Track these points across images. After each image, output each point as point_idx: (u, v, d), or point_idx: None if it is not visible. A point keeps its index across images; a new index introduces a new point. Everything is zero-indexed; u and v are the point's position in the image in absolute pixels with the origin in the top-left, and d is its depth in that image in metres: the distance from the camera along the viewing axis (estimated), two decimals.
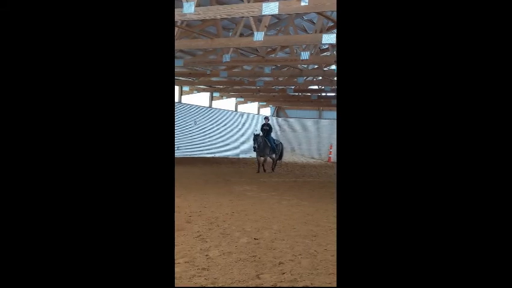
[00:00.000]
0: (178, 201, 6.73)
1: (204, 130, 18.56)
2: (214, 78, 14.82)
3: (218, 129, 19.37)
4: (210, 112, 19.15)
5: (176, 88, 17.72)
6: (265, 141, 13.11)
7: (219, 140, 19.32)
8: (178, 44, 8.73)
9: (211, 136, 18.91)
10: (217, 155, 18.80)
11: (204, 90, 18.10)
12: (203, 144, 18.50)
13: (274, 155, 13.56)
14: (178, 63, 11.13)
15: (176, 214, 5.74)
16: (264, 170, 12.89)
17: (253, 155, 20.98)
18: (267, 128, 13.57)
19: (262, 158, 13.09)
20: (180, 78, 16.03)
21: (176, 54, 11.85)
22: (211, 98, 19.45)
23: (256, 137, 13.14)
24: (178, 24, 8.43)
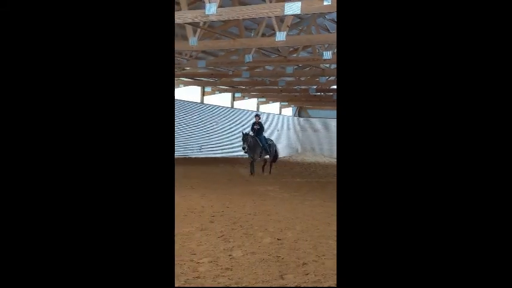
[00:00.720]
0: (201, 201, 6.78)
1: (225, 130, 18.63)
2: (236, 79, 14.87)
3: (239, 129, 19.42)
4: (231, 112, 19.21)
5: (198, 89, 17.83)
6: (256, 140, 11.95)
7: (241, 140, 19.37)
8: (201, 45, 8.78)
9: (233, 136, 18.97)
10: (235, 154, 18.85)
11: (225, 90, 18.17)
12: (225, 145, 18.57)
13: (267, 156, 12.40)
14: (200, 64, 11.20)
15: (199, 214, 5.78)
16: (263, 171, 12.01)
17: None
18: (257, 127, 12.34)
19: (252, 159, 11.95)
20: (202, 78, 16.13)
21: (199, 55, 11.93)
22: (233, 99, 19.51)
23: (245, 136, 11.85)
24: (201, 25, 8.48)
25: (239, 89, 18.01)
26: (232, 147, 18.87)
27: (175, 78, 16.12)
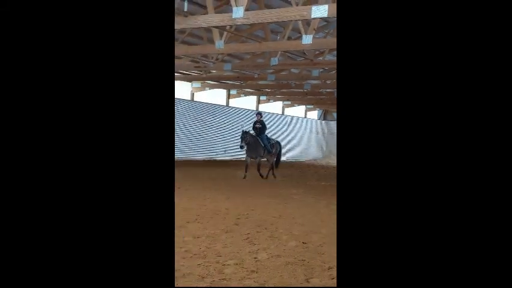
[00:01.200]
0: (226, 204, 6.81)
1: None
2: (261, 82, 14.89)
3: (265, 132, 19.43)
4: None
5: (224, 91, 17.93)
6: (256, 140, 11.00)
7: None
8: (227, 48, 8.84)
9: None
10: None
11: (251, 93, 18.23)
12: None
13: (269, 157, 11.38)
14: (226, 67, 11.27)
15: (224, 216, 5.81)
16: (261, 176, 10.87)
17: (301, 158, 21.01)
18: (259, 126, 11.40)
19: (250, 160, 11.02)
20: (228, 82, 16.23)
21: (225, 58, 12.00)
22: (258, 101, 19.55)
23: (244, 134, 10.87)
24: (227, 28, 8.54)
25: (264, 91, 18.04)
26: None
27: (201, 81, 16.27)
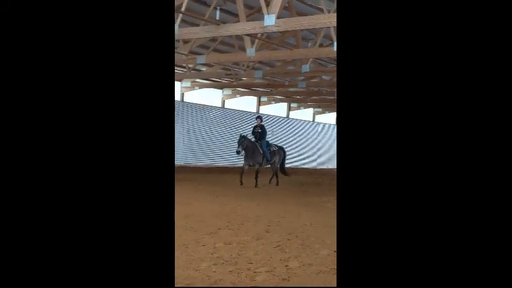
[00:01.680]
0: (257, 210, 6.81)
1: (281, 140, 18.68)
2: (292, 89, 14.89)
3: (295, 139, 19.39)
4: (287, 122, 19.23)
5: (255, 99, 18.01)
6: (255, 145, 10.18)
7: (296, 150, 19.33)
8: (258, 56, 8.89)
9: (289, 146, 18.98)
10: (293, 165, 18.81)
11: (281, 100, 18.24)
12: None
13: (270, 165, 10.64)
14: (257, 74, 11.33)
15: (254, 223, 5.81)
16: (256, 185, 9.96)
17: (331, 165, 20.83)
18: (259, 131, 10.51)
19: (247, 167, 10.27)
20: (258, 89, 16.29)
21: (256, 65, 12.06)
22: (289, 108, 19.54)
23: (242, 139, 10.10)
24: (258, 36, 8.59)
25: (295, 98, 18.03)
26: (287, 157, 18.88)
27: (232, 89, 16.40)
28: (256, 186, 9.98)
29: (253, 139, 10.46)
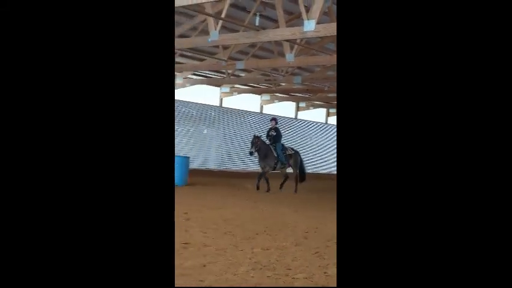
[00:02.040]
0: (294, 217, 6.79)
1: (319, 146, 18.55)
2: (331, 94, 14.78)
3: (333, 145, 19.20)
4: (325, 128, 19.09)
5: (293, 104, 17.98)
6: (268, 147, 9.89)
7: (332, 156, 19.13)
8: (297, 61, 8.88)
9: (326, 152, 18.82)
10: (328, 171, 18.63)
11: (320, 106, 18.13)
12: (318, 160, 18.47)
13: (284, 169, 10.28)
14: (296, 80, 11.32)
15: (293, 229, 5.79)
16: (257, 187, 9.74)
17: None
18: (273, 134, 10.19)
19: (263, 170, 9.96)
20: (297, 94, 16.25)
21: (295, 71, 12.05)
22: (328, 114, 19.39)
23: (254, 139, 9.77)
24: (298, 41, 8.58)
25: (334, 104, 17.88)
26: (323, 163, 18.73)
27: (270, 94, 16.43)
28: (257, 189, 9.81)
29: (267, 142, 10.17)
